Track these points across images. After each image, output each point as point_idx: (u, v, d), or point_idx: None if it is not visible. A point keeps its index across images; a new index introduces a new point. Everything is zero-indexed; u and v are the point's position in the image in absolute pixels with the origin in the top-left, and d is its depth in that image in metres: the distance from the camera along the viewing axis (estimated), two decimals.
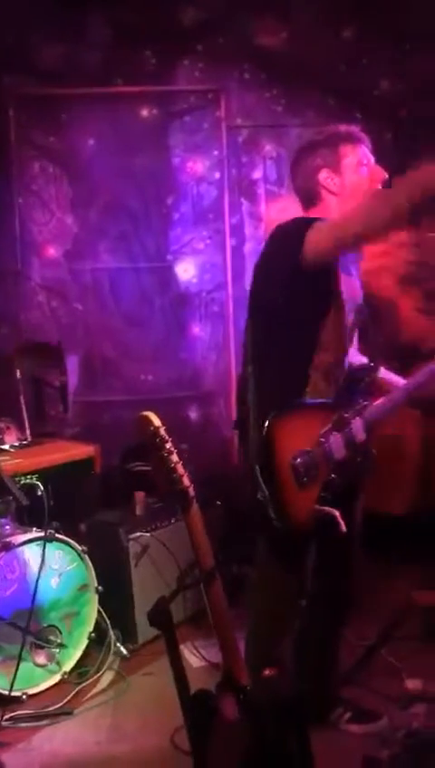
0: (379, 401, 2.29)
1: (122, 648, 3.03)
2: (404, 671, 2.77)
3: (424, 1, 3.89)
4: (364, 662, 2.81)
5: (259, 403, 2.15)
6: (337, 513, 2.11)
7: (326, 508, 2.11)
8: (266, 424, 2.06)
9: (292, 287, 2.11)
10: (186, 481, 1.71)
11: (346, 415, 2.20)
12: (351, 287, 2.26)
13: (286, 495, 2.07)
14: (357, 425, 2.20)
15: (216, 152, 4.07)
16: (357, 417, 2.20)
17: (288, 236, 2.12)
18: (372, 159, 2.28)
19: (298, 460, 2.09)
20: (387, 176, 2.25)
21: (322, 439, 2.14)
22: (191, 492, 1.72)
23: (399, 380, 2.41)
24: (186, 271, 4.11)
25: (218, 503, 3.52)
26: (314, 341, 2.17)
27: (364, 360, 2.40)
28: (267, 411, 2.09)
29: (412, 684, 2.73)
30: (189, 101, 4.09)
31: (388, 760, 2.22)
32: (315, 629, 2.32)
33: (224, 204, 4.06)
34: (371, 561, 3.48)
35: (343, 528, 2.12)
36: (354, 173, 2.24)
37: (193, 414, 4.11)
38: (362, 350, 2.39)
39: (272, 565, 2.25)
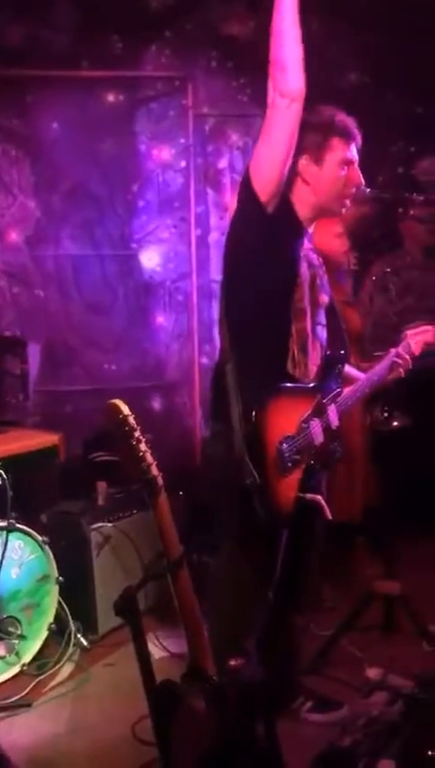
0: (348, 389, 2.34)
1: (83, 640, 3.00)
2: (365, 660, 2.81)
3: None
4: (326, 652, 2.83)
5: (243, 386, 2.10)
6: (321, 499, 2.16)
7: (310, 495, 2.15)
8: (255, 409, 2.05)
9: (259, 248, 2.09)
10: (155, 470, 1.69)
11: (324, 401, 2.23)
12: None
13: (271, 482, 2.07)
14: (333, 411, 2.24)
15: (182, 140, 4.03)
16: (332, 404, 2.24)
17: (240, 196, 2.12)
18: (356, 161, 2.23)
19: (284, 445, 2.10)
20: (363, 182, 2.24)
21: (304, 424, 2.16)
22: (160, 480, 1.71)
23: (357, 373, 2.46)
24: (150, 259, 4.07)
25: (181, 493, 3.50)
26: (287, 311, 2.16)
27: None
28: (254, 394, 2.08)
29: (373, 673, 2.76)
30: (156, 88, 4.04)
31: (348, 747, 2.24)
32: (275, 619, 2.34)
33: (189, 193, 4.03)
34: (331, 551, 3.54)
35: (329, 514, 2.14)
36: (334, 170, 2.18)
37: (156, 404, 4.08)
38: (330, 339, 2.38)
39: (239, 557, 2.23)
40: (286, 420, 2.14)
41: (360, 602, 2.90)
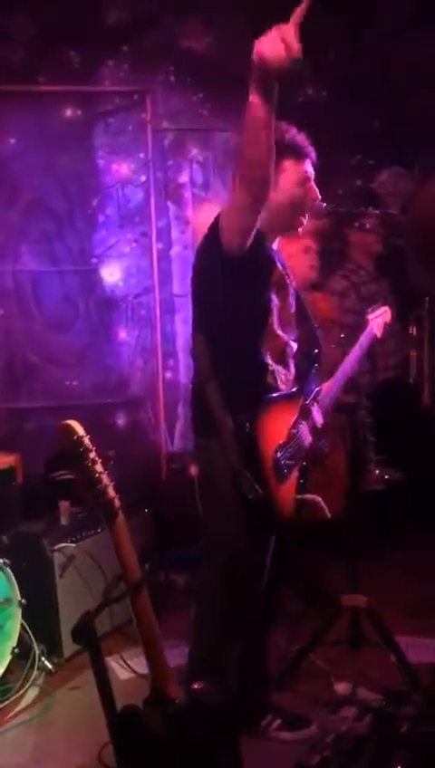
0: (326, 386, 2.44)
1: (47, 663, 2.94)
2: (333, 675, 2.79)
3: (347, 10, 3.97)
4: (294, 667, 2.81)
5: (231, 402, 2.10)
6: (320, 499, 2.20)
7: (308, 495, 2.20)
8: (247, 425, 2.07)
9: (229, 290, 2.10)
10: (111, 492, 1.66)
11: (307, 402, 2.31)
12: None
13: (272, 491, 2.11)
14: (316, 411, 2.33)
15: (141, 154, 4.02)
16: (315, 404, 2.33)
17: (208, 239, 2.11)
18: (313, 176, 2.23)
19: (278, 454, 2.14)
20: (319, 198, 2.24)
21: (293, 430, 2.22)
22: (117, 503, 1.67)
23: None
24: (111, 274, 4.04)
25: (146, 510, 3.47)
26: (262, 333, 2.18)
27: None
28: (242, 408, 2.09)
29: (341, 687, 2.75)
30: (114, 102, 4.03)
31: (317, 765, 2.22)
32: (253, 633, 2.33)
33: (150, 207, 4.01)
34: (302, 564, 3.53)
35: (328, 513, 2.18)
36: (290, 190, 2.18)
37: (120, 420, 4.04)
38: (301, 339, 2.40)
39: (232, 570, 2.20)
40: (277, 429, 2.18)
41: (327, 616, 2.88)
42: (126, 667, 2.88)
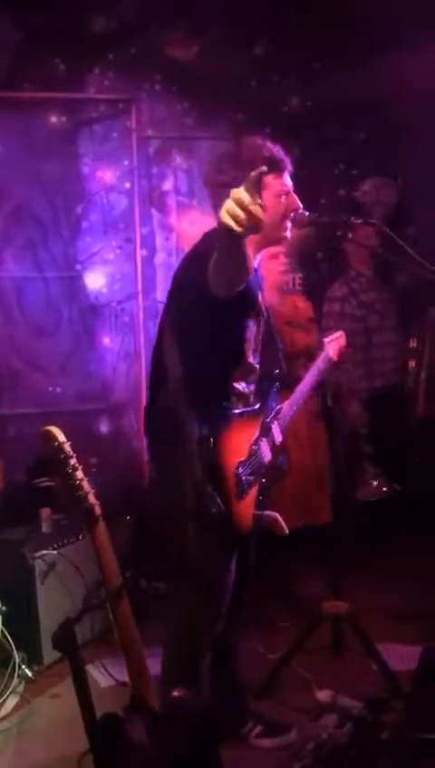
0: (286, 405, 2.45)
1: (27, 671, 2.92)
2: (314, 682, 2.79)
3: (332, 22, 4.00)
4: (275, 675, 2.81)
5: (198, 414, 2.13)
6: (278, 516, 2.22)
7: (267, 512, 2.24)
8: (211, 440, 2.10)
9: (211, 316, 2.10)
10: (91, 498, 1.66)
11: (268, 420, 2.34)
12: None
13: (232, 507, 2.13)
14: (276, 428, 2.36)
15: (126, 162, 4.02)
16: (275, 422, 2.36)
17: (194, 272, 2.09)
18: (291, 188, 2.27)
19: (240, 470, 2.17)
20: (301, 207, 2.26)
21: (254, 447, 2.25)
22: (97, 510, 1.67)
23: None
24: (95, 281, 4.03)
25: (128, 517, 3.46)
26: (235, 360, 2.22)
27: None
28: (206, 422, 2.11)
29: (322, 695, 2.75)
30: (99, 110, 4.03)
31: None
32: (222, 641, 2.33)
33: (134, 214, 4.02)
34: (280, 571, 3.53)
35: (286, 530, 2.17)
36: (272, 203, 2.21)
37: (103, 427, 4.03)
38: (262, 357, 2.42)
39: (197, 581, 2.22)
40: (239, 445, 2.21)
41: (308, 624, 2.89)
42: (107, 675, 2.86)
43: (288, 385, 2.54)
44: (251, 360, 2.28)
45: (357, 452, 2.86)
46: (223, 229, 1.74)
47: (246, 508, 2.19)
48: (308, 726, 2.51)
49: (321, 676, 2.83)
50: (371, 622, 2.91)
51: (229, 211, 1.68)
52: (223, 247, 1.86)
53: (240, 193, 1.68)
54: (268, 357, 2.36)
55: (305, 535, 3.15)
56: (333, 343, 2.71)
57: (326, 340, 2.73)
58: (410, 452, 4.02)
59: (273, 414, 2.37)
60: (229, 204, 1.69)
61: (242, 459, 2.19)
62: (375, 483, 2.90)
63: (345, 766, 2.20)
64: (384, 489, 2.93)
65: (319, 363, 2.66)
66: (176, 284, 2.26)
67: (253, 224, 1.69)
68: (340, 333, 2.76)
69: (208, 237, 2.16)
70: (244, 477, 2.17)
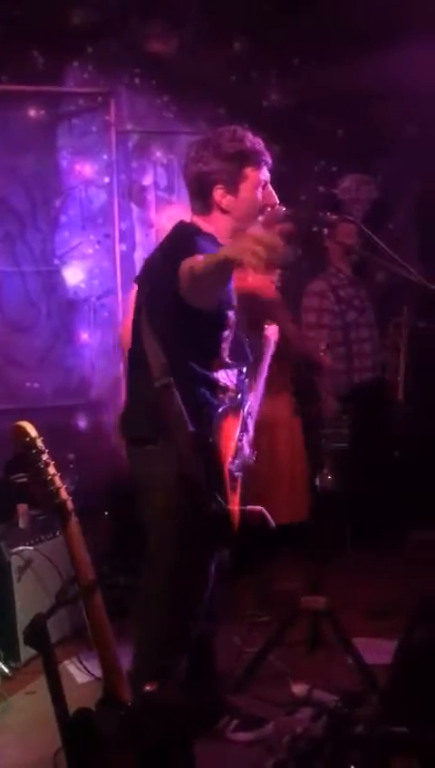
0: (252, 398, 2.49)
1: (4, 667, 2.91)
2: (291, 676, 2.81)
3: (312, 19, 4.00)
4: (253, 669, 2.81)
5: (188, 413, 2.09)
6: (263, 509, 2.21)
7: (252, 507, 2.21)
8: (211, 435, 2.10)
9: (189, 322, 2.10)
10: (63, 494, 1.65)
11: (244, 415, 2.33)
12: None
13: (229, 502, 2.14)
14: (250, 422, 2.37)
15: (105, 156, 4.00)
16: (249, 416, 2.37)
17: (169, 281, 2.07)
18: (269, 181, 2.27)
19: (232, 465, 2.18)
20: (277, 202, 2.27)
21: (239, 442, 2.25)
22: (69, 505, 1.66)
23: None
24: (74, 276, 4.01)
25: (106, 513, 3.45)
26: (214, 350, 2.21)
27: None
28: (195, 417, 2.08)
29: (299, 688, 2.77)
30: (78, 104, 4.00)
31: (273, 766, 2.23)
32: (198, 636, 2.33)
33: (113, 209, 4.00)
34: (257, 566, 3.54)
35: (273, 523, 2.19)
36: (250, 195, 2.21)
37: (81, 423, 4.01)
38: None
39: (180, 573, 2.20)
40: (229, 440, 2.21)
41: (286, 618, 2.90)
42: (84, 671, 2.86)
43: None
44: (227, 359, 2.28)
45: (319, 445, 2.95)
46: (232, 262, 1.82)
47: (235, 504, 2.19)
48: (283, 720, 2.52)
49: (297, 670, 2.84)
50: (348, 617, 2.92)
51: (255, 254, 1.74)
52: (220, 275, 1.93)
53: (266, 237, 1.79)
54: (236, 350, 2.35)
55: (284, 531, 3.16)
56: (272, 335, 2.85)
57: (268, 332, 2.85)
58: (389, 447, 4.05)
59: (247, 408, 2.37)
60: (254, 246, 1.76)
61: (232, 454, 2.20)
62: (329, 477, 2.93)
63: (319, 760, 2.21)
64: (328, 485, 2.97)
65: (268, 353, 2.77)
66: (149, 287, 2.23)
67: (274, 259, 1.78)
68: (274, 327, 2.88)
69: (181, 240, 2.14)
70: (235, 472, 2.19)
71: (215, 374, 2.20)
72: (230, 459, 2.19)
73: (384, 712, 2.39)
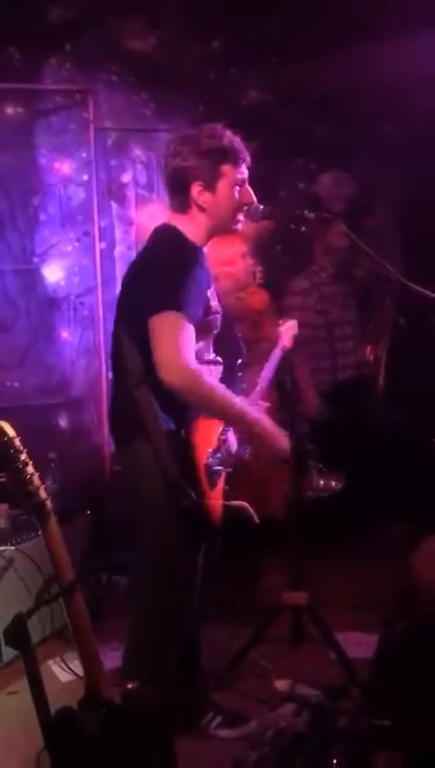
0: (252, 394, 2.53)
1: None
2: (274, 672, 2.82)
3: (291, 16, 4.01)
4: (235, 665, 2.82)
5: (162, 406, 2.13)
6: (247, 505, 2.24)
7: (235, 502, 2.25)
8: (183, 431, 2.11)
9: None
10: (42, 494, 1.65)
11: None
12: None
13: (205, 497, 2.15)
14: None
15: (84, 154, 3.97)
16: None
17: (151, 291, 2.12)
18: (247, 179, 2.28)
19: (210, 460, 2.19)
20: (255, 200, 2.28)
21: (222, 436, 2.27)
22: (49, 505, 1.66)
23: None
24: (53, 274, 3.98)
25: (88, 512, 3.45)
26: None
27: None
28: (173, 414, 2.12)
29: (281, 684, 2.78)
30: (56, 101, 3.97)
31: (256, 761, 2.24)
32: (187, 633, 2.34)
33: (93, 206, 3.98)
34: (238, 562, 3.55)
35: (256, 519, 2.19)
36: (227, 193, 2.22)
37: (63, 421, 3.99)
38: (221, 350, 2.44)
39: (168, 572, 2.23)
40: (207, 435, 2.23)
41: (267, 614, 2.91)
42: (67, 670, 2.85)
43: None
44: (211, 357, 2.30)
45: (302, 451, 2.94)
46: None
47: (216, 498, 2.21)
48: (266, 716, 2.53)
49: (280, 666, 2.85)
50: (329, 612, 2.94)
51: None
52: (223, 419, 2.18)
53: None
54: (230, 348, 2.37)
55: (266, 526, 3.17)
56: (288, 332, 2.78)
57: (282, 328, 2.77)
58: (369, 442, 4.07)
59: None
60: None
61: (212, 449, 2.21)
62: (321, 482, 2.95)
63: (302, 754, 2.22)
64: (323, 485, 2.98)
65: (276, 351, 2.74)
66: (126, 302, 2.26)
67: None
68: (293, 322, 2.83)
69: (174, 262, 2.15)
70: (214, 467, 2.20)
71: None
72: (209, 454, 2.19)
73: (367, 705, 2.41)
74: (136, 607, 2.33)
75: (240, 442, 2.36)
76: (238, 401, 2.19)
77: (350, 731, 2.27)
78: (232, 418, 2.17)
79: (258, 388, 2.58)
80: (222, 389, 2.13)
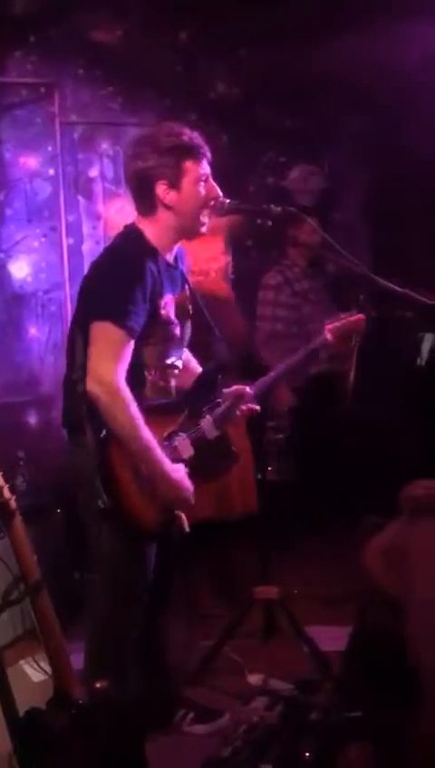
0: (259, 382, 2.46)
1: None
2: (246, 667, 2.82)
3: (258, 9, 4.00)
4: (208, 661, 2.82)
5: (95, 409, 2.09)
6: (182, 514, 2.18)
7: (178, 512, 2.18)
8: (104, 431, 2.05)
9: None
10: (6, 493, 1.62)
11: (203, 412, 2.28)
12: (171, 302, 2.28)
13: (131, 501, 2.09)
14: (207, 423, 2.28)
15: (49, 148, 3.92)
16: (208, 416, 2.29)
17: (102, 298, 2.12)
18: (210, 174, 2.26)
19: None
20: (220, 194, 2.26)
21: (165, 442, 2.18)
22: (12, 504, 1.64)
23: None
24: (20, 269, 3.93)
25: (58, 511, 3.42)
26: (143, 346, 2.19)
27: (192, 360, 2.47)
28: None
29: (254, 678, 2.79)
30: (21, 95, 3.92)
31: (228, 757, 2.24)
32: (147, 630, 2.33)
33: (59, 201, 3.94)
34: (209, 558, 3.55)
35: (187, 528, 2.17)
36: (192, 189, 2.20)
37: (32, 419, 3.94)
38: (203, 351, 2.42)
39: (114, 570, 2.21)
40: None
41: (239, 609, 2.91)
42: (39, 670, 2.82)
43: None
44: (168, 361, 2.27)
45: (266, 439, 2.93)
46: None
47: (151, 503, 2.14)
48: (239, 710, 2.53)
49: (252, 660, 2.86)
50: (301, 606, 2.95)
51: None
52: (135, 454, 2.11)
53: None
54: (210, 349, 2.35)
55: (236, 521, 3.18)
56: (330, 327, 2.59)
57: (328, 325, 2.60)
58: (339, 436, 4.09)
59: (208, 407, 2.31)
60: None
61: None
62: (270, 468, 2.95)
63: (275, 747, 2.23)
64: (280, 475, 2.99)
65: (269, 378, 2.55)
66: (80, 300, 2.24)
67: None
68: (360, 316, 2.63)
69: (127, 268, 2.14)
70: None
71: (149, 373, 2.21)
72: None
73: (339, 698, 2.42)
74: (88, 607, 2.33)
75: (205, 448, 2.27)
76: (155, 442, 2.10)
77: (322, 724, 2.28)
78: (137, 452, 2.06)
79: (267, 378, 2.50)
80: (139, 420, 2.06)
